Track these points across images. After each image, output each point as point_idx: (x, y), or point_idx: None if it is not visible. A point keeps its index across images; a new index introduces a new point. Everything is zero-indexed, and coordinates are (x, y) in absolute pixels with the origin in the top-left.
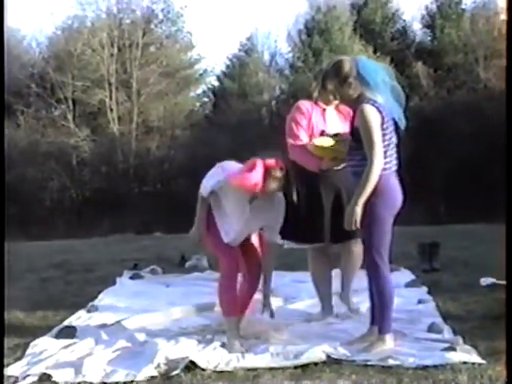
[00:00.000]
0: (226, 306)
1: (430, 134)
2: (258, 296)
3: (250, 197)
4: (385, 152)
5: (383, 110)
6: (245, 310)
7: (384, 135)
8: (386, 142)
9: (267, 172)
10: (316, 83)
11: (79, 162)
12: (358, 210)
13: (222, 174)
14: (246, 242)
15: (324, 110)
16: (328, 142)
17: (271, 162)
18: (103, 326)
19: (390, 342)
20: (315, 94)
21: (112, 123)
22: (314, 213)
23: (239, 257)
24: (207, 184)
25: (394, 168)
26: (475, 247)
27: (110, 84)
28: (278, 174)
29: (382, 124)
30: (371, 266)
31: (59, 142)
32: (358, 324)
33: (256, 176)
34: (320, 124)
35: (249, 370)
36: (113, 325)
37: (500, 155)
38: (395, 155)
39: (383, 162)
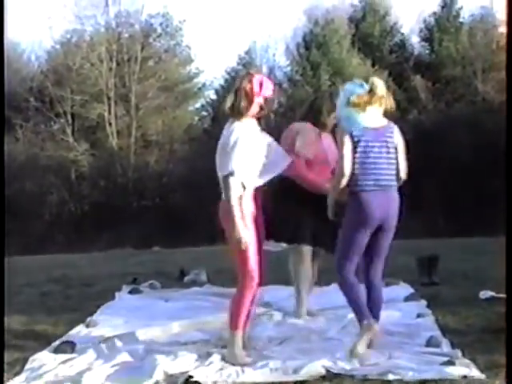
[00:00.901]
0: (236, 319)
1: (428, 146)
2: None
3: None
4: (358, 169)
5: (355, 129)
6: (248, 321)
7: (356, 152)
8: (360, 160)
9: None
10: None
11: (78, 176)
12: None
13: (229, 144)
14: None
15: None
16: None
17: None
18: (102, 341)
19: (371, 328)
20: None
21: (111, 137)
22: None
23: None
24: (227, 159)
25: (372, 188)
26: (474, 260)
27: (108, 98)
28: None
29: (354, 142)
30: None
31: (58, 156)
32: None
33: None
34: (321, 149)
35: None
36: (110, 339)
37: (499, 168)
38: (377, 177)
39: (348, 174)
